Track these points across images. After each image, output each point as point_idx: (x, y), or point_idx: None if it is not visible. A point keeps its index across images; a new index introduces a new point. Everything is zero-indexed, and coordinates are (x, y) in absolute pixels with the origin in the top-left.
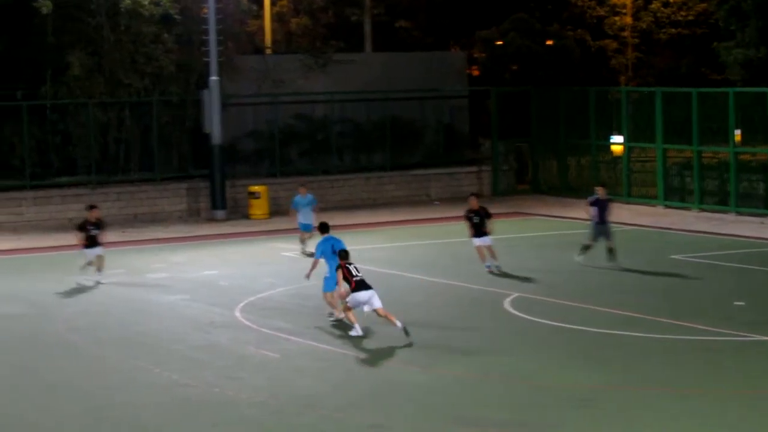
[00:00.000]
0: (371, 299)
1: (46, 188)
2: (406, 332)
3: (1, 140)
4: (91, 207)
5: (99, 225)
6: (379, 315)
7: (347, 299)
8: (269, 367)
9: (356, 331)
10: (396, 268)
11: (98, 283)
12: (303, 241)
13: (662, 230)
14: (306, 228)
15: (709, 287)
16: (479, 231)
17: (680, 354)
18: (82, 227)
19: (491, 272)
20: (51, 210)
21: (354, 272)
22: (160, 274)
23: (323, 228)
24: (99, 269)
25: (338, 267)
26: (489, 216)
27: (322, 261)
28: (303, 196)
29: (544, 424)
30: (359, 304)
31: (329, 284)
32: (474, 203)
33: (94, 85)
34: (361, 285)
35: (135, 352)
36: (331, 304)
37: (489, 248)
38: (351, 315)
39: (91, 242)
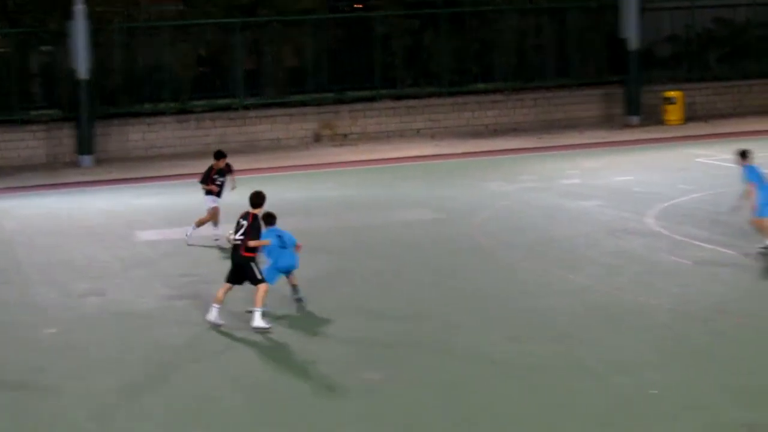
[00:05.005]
0: None
1: (463, 95)
2: None
3: (420, 48)
4: (219, 155)
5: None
6: None
7: None
8: (681, 274)
9: None
10: None
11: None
12: None
13: None
14: None
15: None
16: None
17: None
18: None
19: None
20: (467, 116)
21: None
22: (573, 180)
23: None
24: (207, 222)
25: None
26: None
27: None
28: None
29: None
30: None
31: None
32: None
33: None
34: None
35: (547, 257)
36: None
37: None
38: None
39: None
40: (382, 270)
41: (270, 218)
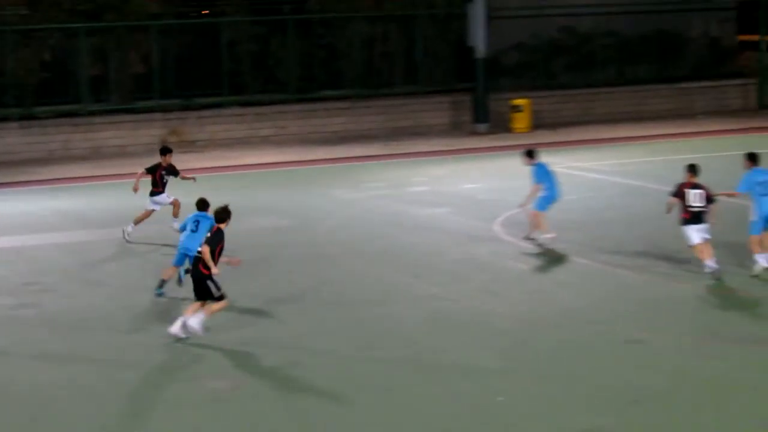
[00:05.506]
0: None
1: (310, 102)
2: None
3: (268, 54)
4: (166, 150)
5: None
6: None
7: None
8: (528, 281)
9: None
10: (659, 182)
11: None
12: None
13: None
14: None
15: None
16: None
17: None
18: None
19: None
20: (315, 123)
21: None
22: (421, 187)
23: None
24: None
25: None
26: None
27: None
28: None
29: None
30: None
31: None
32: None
33: None
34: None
35: (394, 265)
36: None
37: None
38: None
39: (163, 189)
40: (231, 278)
41: (203, 204)
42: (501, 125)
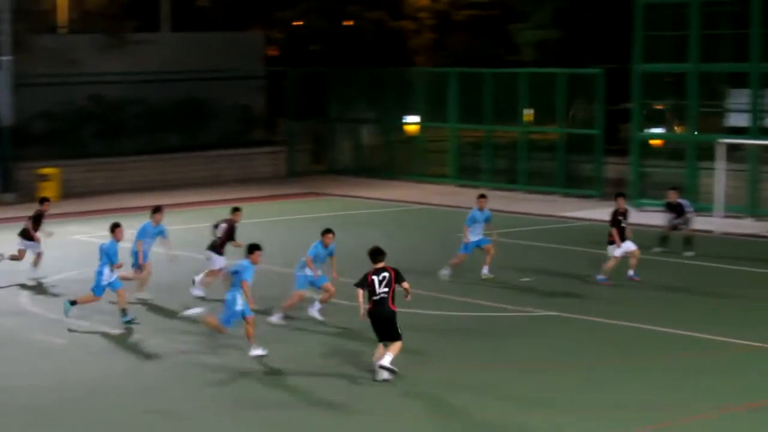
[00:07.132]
0: None
1: None
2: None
3: None
4: (45, 200)
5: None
6: None
7: None
8: (56, 354)
9: None
10: (189, 248)
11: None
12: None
13: (453, 209)
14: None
15: (497, 264)
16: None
17: (465, 331)
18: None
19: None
20: None
21: None
22: None
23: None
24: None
25: None
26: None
27: None
28: (481, 211)
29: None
30: None
31: None
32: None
33: None
34: None
35: None
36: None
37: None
38: None
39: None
40: None
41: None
42: (30, 195)
